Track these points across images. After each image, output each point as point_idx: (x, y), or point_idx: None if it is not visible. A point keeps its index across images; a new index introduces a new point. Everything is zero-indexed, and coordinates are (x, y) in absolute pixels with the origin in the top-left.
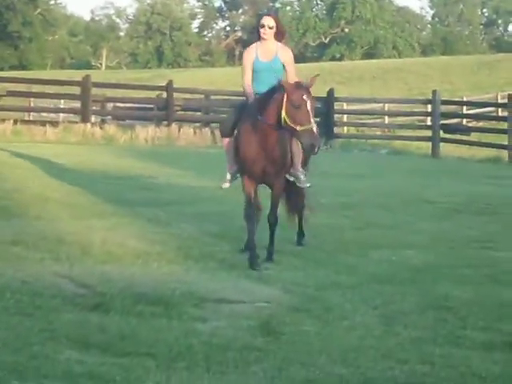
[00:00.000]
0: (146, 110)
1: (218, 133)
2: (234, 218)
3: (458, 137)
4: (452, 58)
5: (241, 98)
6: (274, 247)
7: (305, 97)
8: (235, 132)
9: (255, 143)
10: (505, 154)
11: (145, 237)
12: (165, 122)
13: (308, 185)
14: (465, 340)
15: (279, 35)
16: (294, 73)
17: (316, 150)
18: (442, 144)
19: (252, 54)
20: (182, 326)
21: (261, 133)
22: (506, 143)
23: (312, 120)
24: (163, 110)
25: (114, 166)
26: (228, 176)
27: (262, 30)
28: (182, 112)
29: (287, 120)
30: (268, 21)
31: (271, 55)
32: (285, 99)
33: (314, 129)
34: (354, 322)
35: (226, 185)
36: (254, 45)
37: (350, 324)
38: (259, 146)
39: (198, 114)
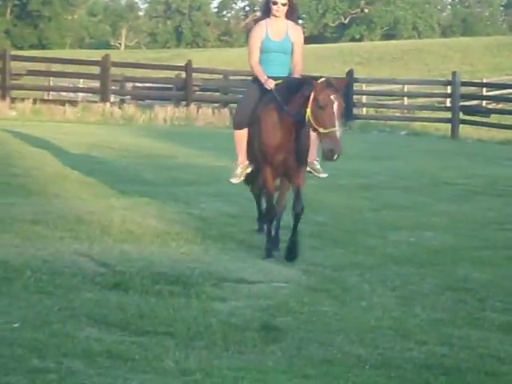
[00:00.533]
0: (164, 89)
1: None
2: (252, 198)
3: (477, 118)
4: (472, 39)
5: None
6: (297, 240)
7: (332, 97)
8: (250, 122)
9: (279, 132)
10: None
11: (164, 216)
12: (183, 102)
13: (325, 175)
14: (483, 321)
15: (291, 13)
16: (300, 55)
17: (335, 157)
18: (461, 126)
19: (262, 31)
20: (200, 305)
21: (285, 123)
22: None
23: (337, 123)
24: (182, 90)
25: (133, 146)
26: (238, 170)
27: (274, 7)
28: (201, 92)
29: (311, 120)
30: None
31: (282, 34)
32: (312, 97)
33: (338, 134)
34: (372, 302)
35: (236, 180)
36: (263, 22)
37: (368, 305)
38: (283, 136)
39: (217, 94)
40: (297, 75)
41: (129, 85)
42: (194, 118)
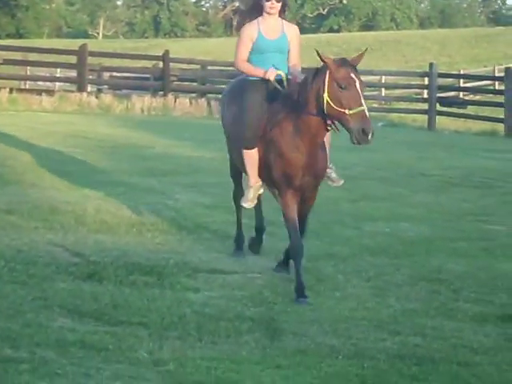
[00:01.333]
0: (142, 79)
1: (214, 104)
2: (228, 189)
3: (454, 110)
4: (450, 30)
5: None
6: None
7: (353, 75)
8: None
9: (303, 147)
10: (501, 127)
11: (139, 207)
12: (161, 92)
13: (342, 181)
14: (457, 312)
15: (283, 10)
16: (298, 54)
17: (369, 137)
18: (438, 117)
19: (253, 30)
20: (174, 295)
21: (307, 132)
22: (502, 117)
23: (363, 102)
24: (159, 80)
25: (109, 136)
26: (251, 193)
27: (268, 4)
28: (179, 82)
29: (332, 103)
30: None
31: (277, 32)
32: (327, 79)
33: (367, 112)
34: (347, 293)
35: (250, 204)
36: (255, 21)
37: (343, 295)
38: (309, 149)
39: (195, 84)
40: (295, 77)
41: (106, 74)
42: (172, 108)
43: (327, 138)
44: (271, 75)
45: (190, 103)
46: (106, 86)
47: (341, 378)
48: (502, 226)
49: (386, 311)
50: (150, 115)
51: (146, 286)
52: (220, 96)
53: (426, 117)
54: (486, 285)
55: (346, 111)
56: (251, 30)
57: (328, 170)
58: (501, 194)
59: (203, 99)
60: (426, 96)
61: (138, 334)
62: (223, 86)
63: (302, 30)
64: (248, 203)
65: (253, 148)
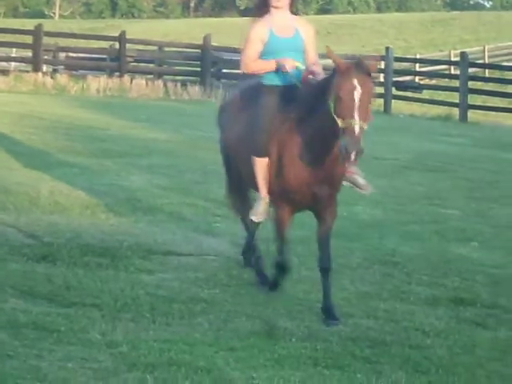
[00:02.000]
0: (98, 60)
1: (170, 85)
2: (184, 170)
3: (410, 94)
4: (406, 15)
5: (196, 50)
6: (331, 302)
7: (355, 82)
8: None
9: (314, 156)
10: (456, 111)
11: (94, 188)
12: (117, 73)
13: (370, 191)
14: (410, 295)
15: (293, 3)
16: (315, 53)
17: (352, 157)
18: (393, 101)
19: (263, 29)
20: (128, 277)
21: (321, 137)
22: (457, 101)
23: (356, 115)
24: (116, 61)
25: (65, 117)
26: (261, 206)
27: None
28: (135, 63)
29: (332, 110)
30: None
31: (291, 29)
32: (335, 81)
33: (357, 128)
34: (300, 275)
35: (259, 218)
36: (263, 19)
37: (297, 278)
38: (321, 159)
39: (151, 65)
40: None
41: (62, 55)
42: (128, 90)
43: None
44: (287, 63)
45: (147, 84)
46: (61, 67)
47: (294, 359)
48: (455, 209)
49: (340, 294)
50: (106, 96)
51: (100, 267)
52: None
53: (381, 101)
54: (438, 268)
55: (339, 122)
56: (261, 30)
57: (354, 176)
58: (454, 177)
59: (160, 81)
60: (382, 80)
61: (90, 316)
62: (179, 68)
63: None
64: (258, 216)
65: (265, 156)
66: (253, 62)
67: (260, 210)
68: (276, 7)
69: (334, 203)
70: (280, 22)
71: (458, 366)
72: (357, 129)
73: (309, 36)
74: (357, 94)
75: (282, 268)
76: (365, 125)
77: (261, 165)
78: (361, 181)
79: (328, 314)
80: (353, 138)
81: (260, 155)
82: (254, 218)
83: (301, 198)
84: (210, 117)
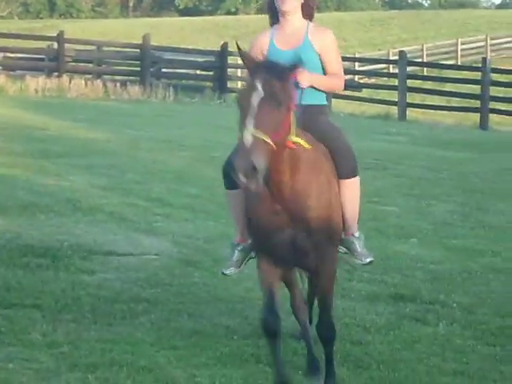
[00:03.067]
0: (36, 60)
1: (110, 85)
2: (124, 170)
3: (349, 93)
4: (345, 14)
5: (135, 50)
6: (334, 379)
7: (257, 84)
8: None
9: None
10: (395, 110)
11: (33, 189)
12: (56, 73)
13: (369, 259)
14: (350, 292)
15: (307, 8)
16: (335, 63)
17: (240, 177)
18: (333, 100)
19: (263, 39)
20: (69, 278)
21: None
22: (396, 100)
23: (249, 125)
24: (54, 61)
25: (2, 117)
26: (236, 255)
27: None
28: (74, 63)
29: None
30: None
31: (296, 40)
32: None
33: (247, 137)
34: (243, 274)
35: (232, 270)
36: (271, 28)
37: (239, 276)
38: (277, 186)
39: (90, 65)
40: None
41: (0, 55)
42: (67, 89)
43: (353, 188)
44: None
45: (86, 84)
46: None
47: (236, 357)
48: (394, 206)
49: (281, 291)
50: (45, 96)
51: (40, 268)
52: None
53: None
54: (378, 265)
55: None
56: (261, 40)
57: (352, 238)
58: (393, 175)
59: (99, 80)
60: None
61: (31, 317)
62: (119, 68)
63: (199, 13)
64: (231, 269)
65: (232, 189)
66: None
67: (233, 260)
68: (283, 12)
69: (329, 258)
70: (286, 30)
71: (399, 362)
72: (246, 138)
73: (324, 45)
74: (255, 98)
75: (264, 329)
76: (264, 136)
77: (228, 198)
78: (359, 247)
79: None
80: (240, 151)
81: (226, 186)
82: (227, 272)
83: (273, 245)
84: (149, 117)
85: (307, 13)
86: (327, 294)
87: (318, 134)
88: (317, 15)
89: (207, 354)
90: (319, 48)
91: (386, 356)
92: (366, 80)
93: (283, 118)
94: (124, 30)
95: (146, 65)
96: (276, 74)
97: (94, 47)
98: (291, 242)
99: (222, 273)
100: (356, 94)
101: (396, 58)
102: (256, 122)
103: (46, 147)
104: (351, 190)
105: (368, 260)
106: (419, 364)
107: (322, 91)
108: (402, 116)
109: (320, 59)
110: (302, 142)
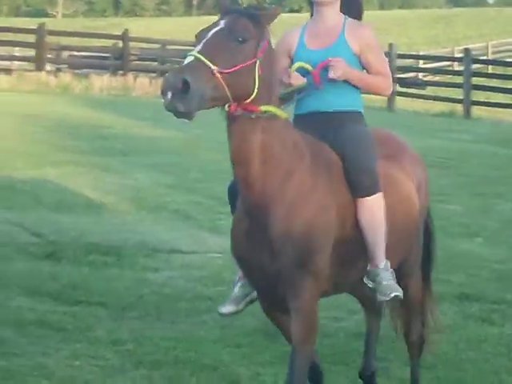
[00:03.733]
0: (101, 59)
1: None
2: (188, 168)
3: (413, 91)
4: (409, 11)
5: None
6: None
7: (222, 20)
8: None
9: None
10: (459, 108)
11: (99, 187)
12: (120, 72)
13: (394, 294)
14: None
15: (353, 4)
16: (378, 62)
17: (167, 94)
18: (397, 98)
19: (292, 37)
20: (133, 275)
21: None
22: (461, 97)
23: (198, 47)
24: (119, 60)
25: (69, 116)
26: (235, 291)
27: None
28: (138, 62)
29: None
30: None
31: (329, 38)
32: None
33: (188, 59)
34: None
35: (229, 308)
36: (303, 24)
37: None
38: (246, 189)
39: (154, 63)
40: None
41: (65, 53)
42: (131, 88)
43: (372, 208)
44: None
45: (150, 83)
46: (65, 65)
47: None
48: (459, 205)
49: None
50: (110, 95)
51: (105, 266)
52: None
53: (385, 98)
54: (443, 264)
55: None
56: (290, 37)
57: (378, 270)
58: (457, 174)
59: (163, 78)
60: None
61: (96, 314)
62: None
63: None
64: (228, 307)
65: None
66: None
67: (232, 297)
68: (317, 3)
69: (298, 293)
70: (320, 26)
71: (465, 362)
72: (187, 60)
73: (364, 44)
74: (213, 30)
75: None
76: (208, 61)
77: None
78: (384, 280)
79: None
80: (176, 69)
81: (232, 211)
82: (223, 310)
83: (250, 272)
84: (211, 116)
85: (355, 9)
86: (299, 344)
87: (337, 143)
88: (380, 13)
89: (271, 352)
90: (358, 48)
91: (451, 356)
92: (430, 78)
93: (242, 59)
94: (188, 29)
95: None
96: (248, 14)
97: (158, 45)
98: (260, 267)
99: (219, 312)
100: (420, 91)
101: (461, 55)
102: (203, 46)
103: (110, 145)
104: (369, 211)
105: (393, 295)
106: (485, 364)
107: (358, 94)
108: (467, 114)
109: (360, 61)
110: (275, 110)
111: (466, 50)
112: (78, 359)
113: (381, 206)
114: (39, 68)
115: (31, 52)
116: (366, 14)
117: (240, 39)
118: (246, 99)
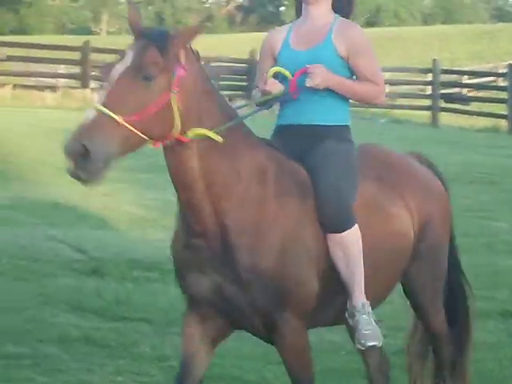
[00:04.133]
0: None
1: None
2: None
3: (457, 106)
4: (452, 27)
5: (242, 65)
6: None
7: (129, 51)
8: None
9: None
10: (504, 123)
11: (141, 203)
12: None
13: (371, 343)
14: None
15: (343, 1)
16: (368, 65)
17: (70, 163)
18: (442, 113)
19: (277, 36)
20: (177, 291)
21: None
22: (505, 113)
23: (97, 100)
24: None
25: None
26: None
27: None
28: None
29: None
30: None
31: (316, 38)
32: None
33: (88, 115)
34: None
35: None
36: (289, 24)
37: None
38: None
39: None
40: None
41: None
42: None
43: (344, 245)
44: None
45: None
46: None
47: (342, 372)
48: (503, 222)
49: (389, 307)
50: None
51: (149, 281)
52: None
53: (429, 113)
54: (487, 281)
55: None
56: (273, 37)
57: (351, 307)
58: (501, 190)
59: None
60: (429, 92)
61: (140, 330)
62: (226, 83)
63: None
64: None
65: None
66: (263, 82)
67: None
68: (307, 1)
69: (283, 329)
70: (308, 25)
71: (509, 379)
72: (87, 114)
73: (352, 46)
74: (118, 69)
75: None
76: (111, 113)
77: None
78: (360, 324)
79: None
80: (75, 130)
81: None
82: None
83: (196, 293)
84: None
85: (347, 3)
86: (295, 376)
87: (310, 164)
88: (423, 28)
89: (314, 369)
90: (345, 50)
91: (495, 373)
92: (474, 93)
93: (151, 99)
94: (231, 45)
95: (253, 79)
96: (157, 40)
97: (201, 62)
98: (219, 295)
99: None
100: (464, 107)
101: (505, 70)
102: (106, 95)
103: (154, 161)
104: (340, 246)
105: (368, 344)
106: None
107: (345, 104)
108: (511, 129)
109: (347, 65)
110: (208, 133)
111: (510, 66)
112: (122, 375)
113: (356, 241)
114: (84, 85)
115: (76, 69)
116: (410, 29)
117: (147, 76)
118: (169, 133)
